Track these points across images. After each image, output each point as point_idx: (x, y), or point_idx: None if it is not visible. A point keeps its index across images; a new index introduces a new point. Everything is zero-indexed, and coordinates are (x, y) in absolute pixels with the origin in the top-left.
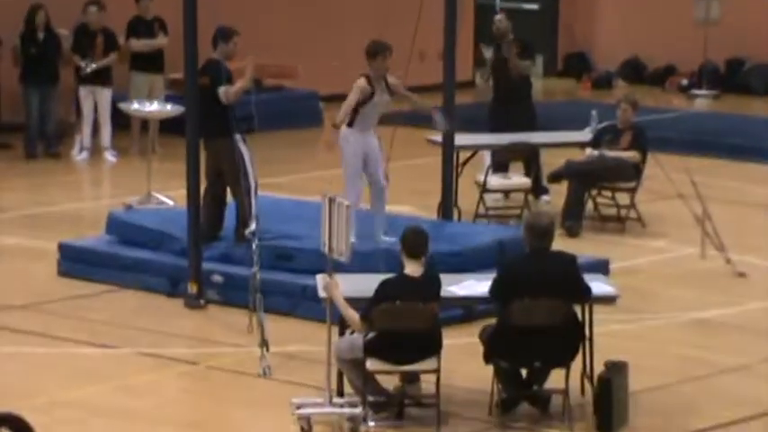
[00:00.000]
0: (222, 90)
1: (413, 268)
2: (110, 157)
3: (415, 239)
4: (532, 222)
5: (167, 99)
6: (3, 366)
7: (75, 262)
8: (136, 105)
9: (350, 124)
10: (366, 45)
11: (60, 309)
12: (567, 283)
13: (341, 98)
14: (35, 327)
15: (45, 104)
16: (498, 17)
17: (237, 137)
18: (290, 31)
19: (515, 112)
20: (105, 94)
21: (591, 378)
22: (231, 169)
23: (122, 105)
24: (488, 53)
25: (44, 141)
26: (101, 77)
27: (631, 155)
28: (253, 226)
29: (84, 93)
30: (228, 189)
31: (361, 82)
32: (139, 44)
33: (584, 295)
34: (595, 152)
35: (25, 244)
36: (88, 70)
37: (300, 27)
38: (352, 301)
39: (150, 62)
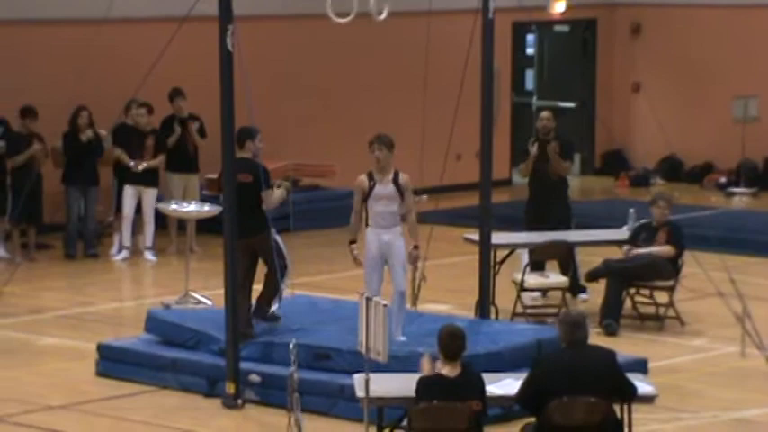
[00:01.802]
0: (266, 194)
1: (449, 369)
2: (150, 256)
3: (450, 342)
4: (563, 316)
5: (202, 199)
6: None
7: (114, 362)
8: (174, 206)
9: (368, 224)
10: None
11: (99, 409)
12: (608, 379)
13: None
14: (74, 427)
15: (86, 205)
16: (545, 114)
17: (273, 230)
18: (327, 129)
19: (551, 210)
20: (151, 195)
21: None
22: (267, 253)
23: (161, 206)
24: (533, 149)
25: (83, 242)
26: (148, 178)
27: (667, 249)
28: (275, 306)
29: (131, 192)
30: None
31: (359, 178)
32: (170, 140)
33: (630, 392)
34: (631, 249)
35: (64, 344)
36: (140, 169)
37: (337, 125)
38: (389, 401)
39: (185, 162)
